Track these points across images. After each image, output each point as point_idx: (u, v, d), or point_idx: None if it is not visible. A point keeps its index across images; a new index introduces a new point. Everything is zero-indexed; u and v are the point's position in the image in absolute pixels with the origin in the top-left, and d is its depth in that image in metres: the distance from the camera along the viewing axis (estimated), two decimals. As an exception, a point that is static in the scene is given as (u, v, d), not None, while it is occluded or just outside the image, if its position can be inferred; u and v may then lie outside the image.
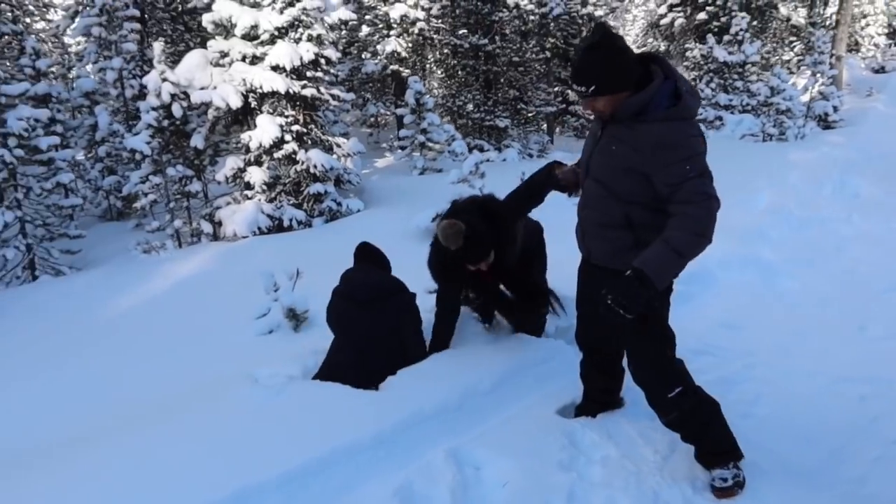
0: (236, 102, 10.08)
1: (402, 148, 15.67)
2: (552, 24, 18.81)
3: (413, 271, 3.95)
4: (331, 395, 3.25)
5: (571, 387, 3.31)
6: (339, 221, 10.38)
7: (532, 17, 18.78)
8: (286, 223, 10.35)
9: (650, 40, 21.33)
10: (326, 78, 11.16)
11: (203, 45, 13.30)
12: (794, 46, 23.11)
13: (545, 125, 19.76)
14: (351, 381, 3.32)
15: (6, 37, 14.20)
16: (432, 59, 19.97)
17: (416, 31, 17.10)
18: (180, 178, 10.83)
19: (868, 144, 10.54)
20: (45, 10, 19.35)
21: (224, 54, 10.45)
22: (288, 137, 10.40)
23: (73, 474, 2.79)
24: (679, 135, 2.36)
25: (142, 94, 12.37)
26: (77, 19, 14.46)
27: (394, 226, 8.38)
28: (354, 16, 12.72)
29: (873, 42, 26.36)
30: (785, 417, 3.15)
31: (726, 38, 16.85)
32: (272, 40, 10.36)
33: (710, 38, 17.02)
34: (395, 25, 16.99)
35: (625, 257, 2.53)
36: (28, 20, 18.20)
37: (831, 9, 20.90)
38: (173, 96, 10.36)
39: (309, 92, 10.53)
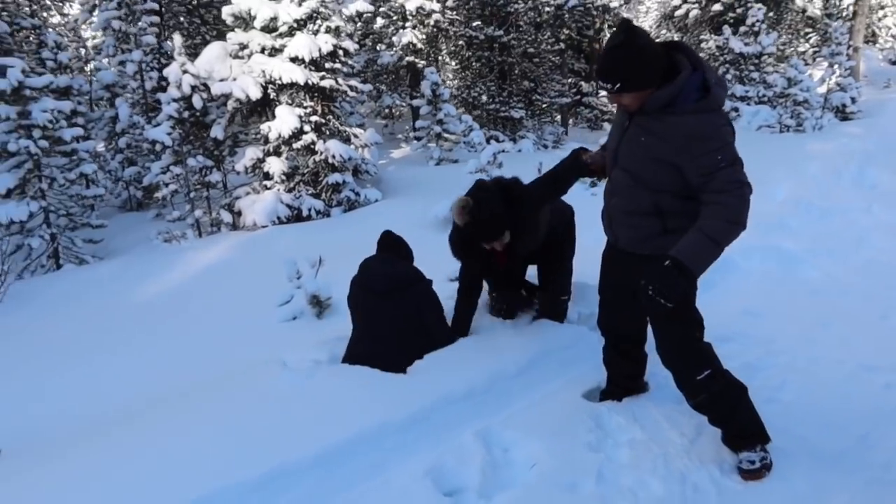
0: (256, 94, 10.17)
1: (418, 139, 15.71)
2: (567, 15, 18.76)
3: (432, 260, 3.98)
4: (360, 378, 3.32)
5: (595, 372, 3.36)
6: (358, 211, 10.44)
7: (547, 9, 18.75)
8: (305, 213, 10.42)
9: (664, 32, 21.14)
10: (344, 69, 11.21)
11: (219, 37, 13.43)
12: (810, 38, 22.88)
13: (559, 116, 19.73)
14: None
15: (24, 31, 14.33)
16: (447, 51, 19.97)
17: (432, 22, 17.10)
18: (200, 169, 10.97)
19: (886, 135, 10.43)
20: (61, 4, 19.50)
21: (243, 46, 10.53)
22: (307, 128, 10.47)
23: (127, 446, 2.99)
24: (709, 126, 2.38)
25: (161, 86, 12.51)
26: (96, 13, 14.61)
27: (412, 215, 8.40)
28: (371, 7, 12.77)
29: (891, 33, 26.06)
30: (810, 403, 3.16)
31: (742, 29, 16.72)
32: (291, 32, 10.43)
33: (727, 30, 16.89)
34: (410, 17, 16.99)
35: (654, 242, 2.58)
36: (45, 14, 18.36)
37: (847, 0, 20.67)
38: (194, 88, 10.49)
39: (327, 83, 10.58)
